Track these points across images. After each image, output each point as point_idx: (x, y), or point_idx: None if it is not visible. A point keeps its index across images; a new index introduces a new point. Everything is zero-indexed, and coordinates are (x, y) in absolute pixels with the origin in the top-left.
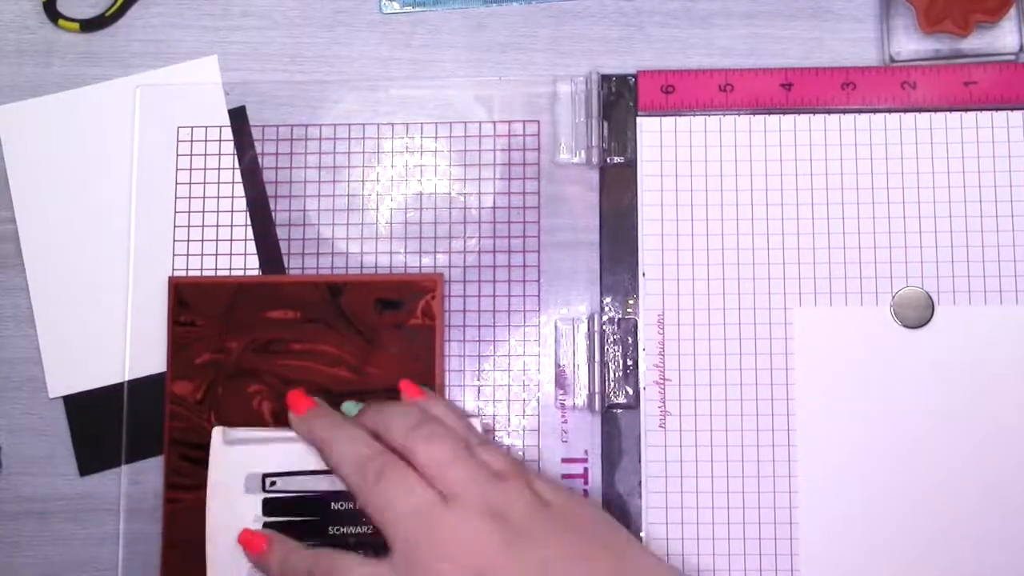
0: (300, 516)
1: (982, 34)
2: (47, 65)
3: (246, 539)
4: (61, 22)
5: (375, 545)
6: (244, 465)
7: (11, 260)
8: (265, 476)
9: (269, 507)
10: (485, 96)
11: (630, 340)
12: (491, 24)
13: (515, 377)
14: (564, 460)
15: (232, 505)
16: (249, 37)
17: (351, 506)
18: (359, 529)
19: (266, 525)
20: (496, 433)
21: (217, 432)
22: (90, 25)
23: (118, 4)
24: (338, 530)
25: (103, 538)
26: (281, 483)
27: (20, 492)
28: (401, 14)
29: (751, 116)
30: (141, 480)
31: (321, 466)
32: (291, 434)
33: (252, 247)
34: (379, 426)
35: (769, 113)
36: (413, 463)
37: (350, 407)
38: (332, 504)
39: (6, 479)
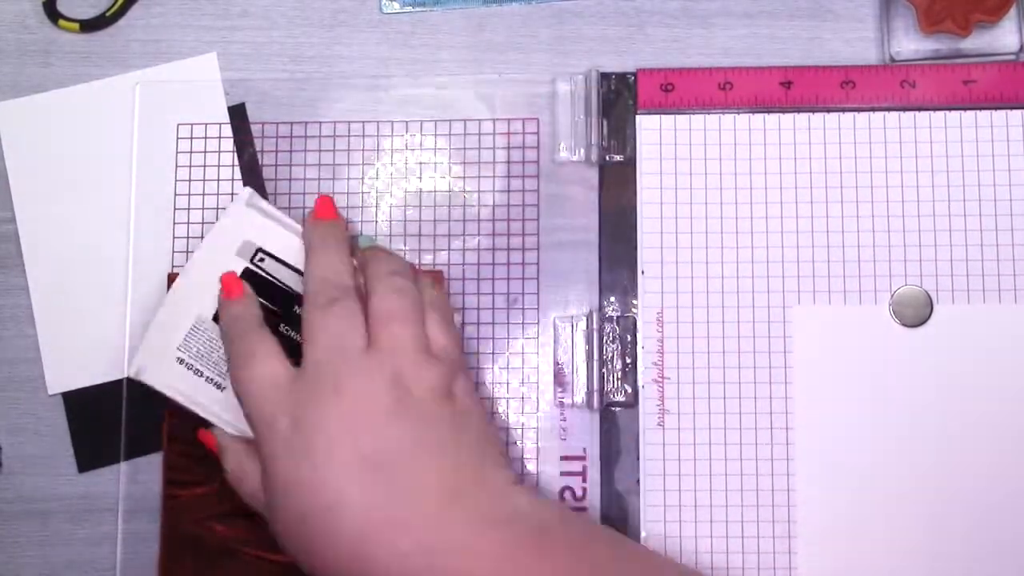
0: (265, 300)
1: (982, 34)
2: (47, 65)
3: (228, 280)
4: (61, 22)
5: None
6: (249, 231)
7: (11, 260)
8: (258, 250)
9: (246, 276)
10: (485, 94)
11: (629, 338)
12: (491, 24)
13: (514, 375)
14: (563, 458)
15: (219, 257)
16: (249, 37)
17: None
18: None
19: None
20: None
21: (245, 191)
22: (90, 25)
23: (118, 4)
24: (288, 330)
25: (103, 538)
26: (267, 264)
27: (20, 492)
28: (401, 14)
29: (751, 114)
30: (140, 478)
31: None
32: (300, 229)
33: None
34: (367, 262)
35: (768, 111)
36: (368, 306)
37: (364, 240)
38: (296, 307)
39: (6, 479)
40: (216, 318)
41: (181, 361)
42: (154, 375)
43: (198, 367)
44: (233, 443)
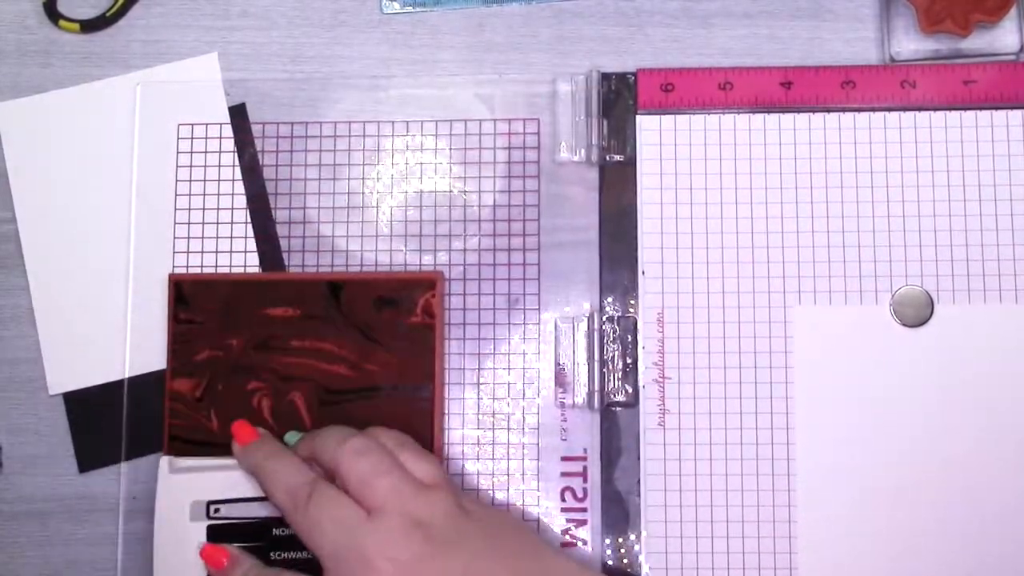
0: (243, 542)
1: (982, 34)
2: (47, 65)
3: (208, 553)
4: (61, 22)
5: (315, 570)
6: (190, 492)
7: (11, 260)
8: (210, 503)
9: (214, 533)
10: (485, 94)
11: (629, 338)
12: (491, 24)
13: (515, 375)
14: (563, 458)
15: (178, 532)
16: (249, 37)
17: (291, 531)
18: (299, 554)
19: None
20: (496, 431)
21: (164, 461)
22: (90, 25)
23: (118, 4)
24: (279, 555)
25: (103, 538)
26: (225, 510)
27: (20, 492)
28: (401, 14)
29: (751, 114)
30: (140, 479)
31: (263, 493)
32: (234, 462)
33: (252, 244)
34: (314, 449)
35: (769, 111)
36: (341, 481)
37: (291, 436)
38: (274, 530)
39: (6, 479)
40: None
41: None
42: None
43: None
44: None
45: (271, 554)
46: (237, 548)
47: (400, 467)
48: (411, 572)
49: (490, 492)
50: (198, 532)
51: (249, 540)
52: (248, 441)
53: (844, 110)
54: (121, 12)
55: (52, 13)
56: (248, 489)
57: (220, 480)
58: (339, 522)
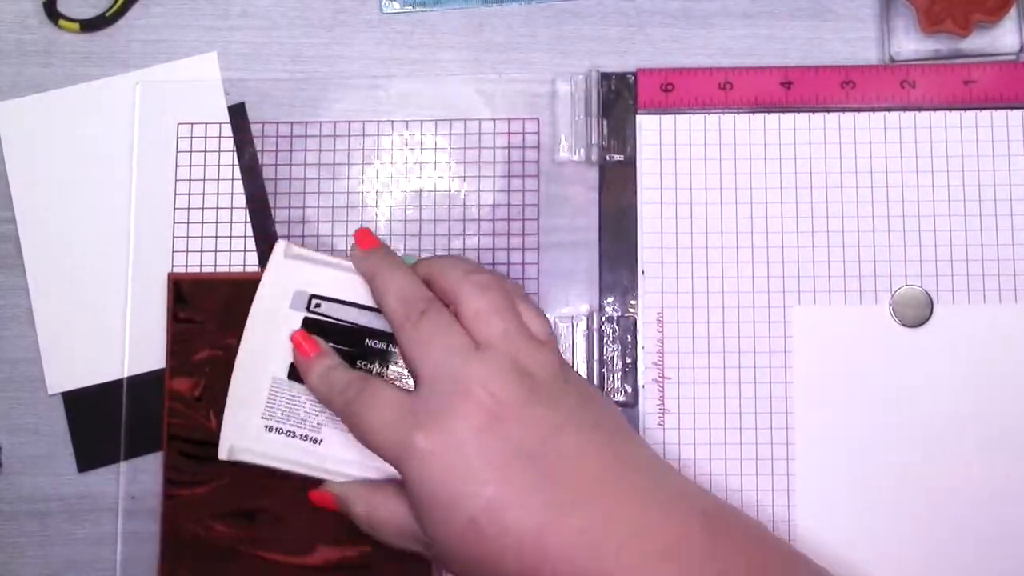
0: (334, 343)
1: (982, 34)
2: (47, 65)
3: (300, 338)
4: (61, 22)
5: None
6: (297, 281)
7: (11, 260)
8: (313, 296)
9: (308, 326)
10: (485, 94)
11: (629, 338)
12: (491, 24)
13: None
14: None
15: (273, 317)
16: (249, 37)
17: (384, 346)
18: (387, 369)
19: None
20: None
21: (280, 245)
22: (90, 25)
23: (118, 4)
24: (366, 365)
25: (103, 538)
26: (325, 307)
27: (20, 492)
28: (401, 14)
29: (750, 114)
30: (140, 478)
31: (367, 301)
32: (348, 264)
33: (251, 244)
34: (432, 271)
35: (768, 111)
36: (458, 310)
37: (409, 258)
38: (367, 340)
39: (6, 479)
40: (291, 375)
41: (270, 429)
42: (247, 452)
43: (288, 428)
44: (355, 489)
45: (357, 362)
46: (328, 345)
47: (517, 313)
48: (506, 410)
49: None
50: (294, 321)
51: (341, 343)
52: (369, 247)
53: (844, 110)
54: (121, 12)
55: (52, 13)
56: (353, 294)
57: (330, 277)
58: (448, 345)
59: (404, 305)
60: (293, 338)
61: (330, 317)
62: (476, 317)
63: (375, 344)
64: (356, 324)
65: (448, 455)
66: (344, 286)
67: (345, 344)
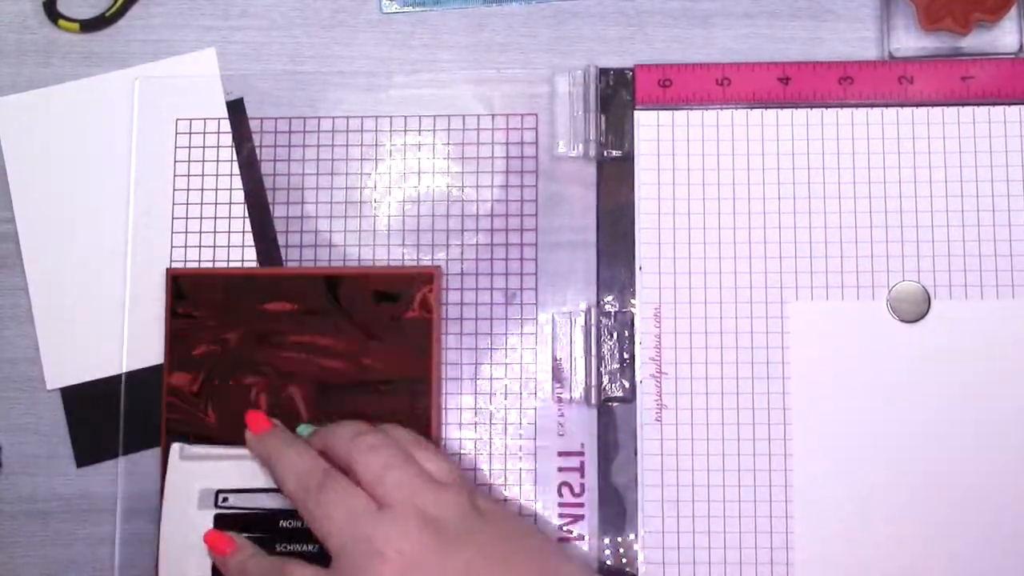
0: (250, 532)
1: (982, 33)
2: (47, 65)
3: (213, 539)
4: (61, 22)
5: (321, 564)
6: (199, 480)
7: (11, 260)
8: (218, 492)
9: (221, 522)
10: (483, 90)
11: (627, 333)
12: (491, 24)
13: (512, 371)
14: (560, 453)
15: (185, 519)
16: (249, 37)
17: (299, 524)
18: (306, 547)
19: None
20: (492, 427)
21: (175, 448)
22: (90, 25)
23: (118, 4)
24: (286, 547)
25: (103, 538)
26: (233, 499)
27: (20, 492)
28: (401, 14)
29: (748, 110)
30: (139, 473)
31: (272, 484)
32: (246, 452)
33: (250, 239)
34: (326, 442)
35: (766, 107)
36: (353, 474)
37: (304, 428)
38: (281, 522)
39: (6, 479)
40: (215, 574)
41: None
42: None
43: None
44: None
45: (277, 546)
46: (242, 536)
47: (414, 463)
48: (417, 564)
49: (487, 488)
50: (205, 520)
51: (256, 531)
52: (262, 430)
53: (842, 106)
54: (121, 12)
55: (52, 13)
56: (257, 480)
57: (230, 469)
58: (350, 511)
59: (301, 482)
60: (206, 539)
61: (241, 508)
62: (374, 478)
63: (289, 524)
64: (267, 508)
65: None
66: (246, 474)
67: (261, 531)
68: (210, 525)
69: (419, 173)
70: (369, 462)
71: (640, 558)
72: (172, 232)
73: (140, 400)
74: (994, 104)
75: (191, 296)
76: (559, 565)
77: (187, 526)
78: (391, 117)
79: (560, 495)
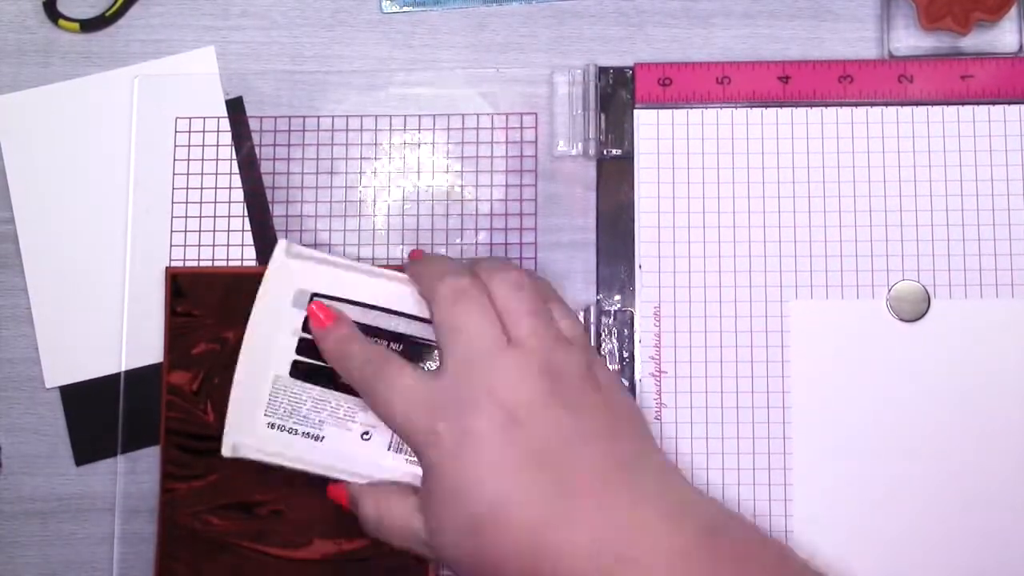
0: None
1: (982, 33)
2: (47, 65)
3: (315, 309)
4: (61, 22)
5: None
6: (298, 280)
7: (10, 260)
8: (314, 295)
9: (309, 325)
10: (483, 90)
11: (626, 332)
12: (491, 24)
13: None
14: None
15: (276, 314)
16: (249, 37)
17: (388, 344)
18: None
19: (301, 341)
20: None
21: (282, 243)
22: (90, 25)
23: (118, 4)
24: None
25: (103, 538)
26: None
27: (20, 492)
28: (401, 14)
29: (748, 109)
30: (138, 472)
31: (369, 300)
32: (349, 263)
33: (249, 238)
34: (473, 267)
35: (766, 106)
36: (492, 303)
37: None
38: (370, 339)
39: (6, 479)
40: (293, 373)
41: (272, 426)
42: (250, 449)
43: (291, 426)
44: (366, 489)
45: None
46: (344, 314)
47: (550, 315)
48: (528, 412)
49: None
50: (297, 319)
51: None
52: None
53: (842, 105)
54: (121, 12)
55: (52, 13)
56: (355, 293)
57: (331, 276)
58: (482, 334)
59: (443, 283)
60: (309, 308)
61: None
62: (510, 314)
63: (378, 343)
64: (358, 323)
65: (465, 450)
66: (345, 285)
67: None
68: (298, 326)
69: (419, 172)
70: (511, 299)
71: None
72: (171, 230)
73: (139, 399)
74: (994, 103)
75: (190, 294)
76: (652, 452)
77: (276, 322)
78: (391, 116)
79: None
